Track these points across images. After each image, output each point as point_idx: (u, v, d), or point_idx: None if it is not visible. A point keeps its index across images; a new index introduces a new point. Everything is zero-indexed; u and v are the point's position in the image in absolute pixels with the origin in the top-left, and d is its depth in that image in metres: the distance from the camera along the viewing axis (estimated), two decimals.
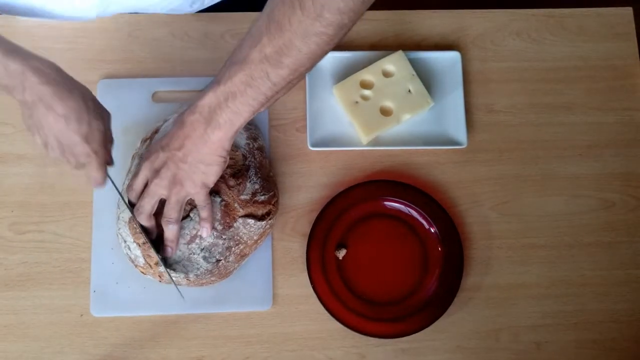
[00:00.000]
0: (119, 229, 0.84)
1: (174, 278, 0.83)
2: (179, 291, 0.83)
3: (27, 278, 0.88)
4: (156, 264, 0.82)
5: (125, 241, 0.84)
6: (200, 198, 0.78)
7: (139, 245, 0.82)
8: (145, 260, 0.83)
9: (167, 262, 0.83)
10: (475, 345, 0.89)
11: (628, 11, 1.02)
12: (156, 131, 0.88)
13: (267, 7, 0.68)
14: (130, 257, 0.84)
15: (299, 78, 0.70)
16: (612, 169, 0.96)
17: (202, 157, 0.74)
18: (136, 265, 0.84)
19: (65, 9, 0.89)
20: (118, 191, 0.83)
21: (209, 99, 0.71)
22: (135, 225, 0.82)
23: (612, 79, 0.99)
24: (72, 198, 0.90)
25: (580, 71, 0.99)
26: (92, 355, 0.86)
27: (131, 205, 0.82)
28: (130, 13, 0.97)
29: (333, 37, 0.66)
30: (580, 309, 0.91)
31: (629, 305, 0.91)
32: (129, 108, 0.93)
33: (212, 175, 0.76)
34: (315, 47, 0.66)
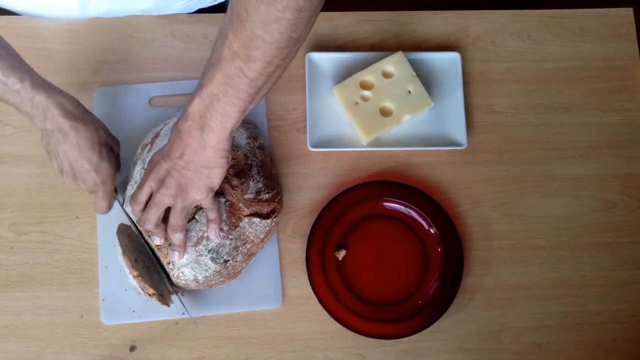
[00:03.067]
0: (117, 255, 0.85)
1: (182, 282, 0.84)
2: (184, 306, 0.85)
3: (28, 279, 0.88)
4: (152, 294, 0.82)
5: (122, 270, 0.84)
6: (207, 202, 0.78)
7: (134, 277, 0.82)
8: (143, 292, 0.83)
9: (174, 267, 0.83)
10: (476, 346, 0.89)
11: (629, 12, 1.02)
12: (157, 135, 0.88)
13: (230, 2, 0.67)
14: (131, 285, 0.84)
15: (278, 71, 0.69)
16: (613, 169, 0.96)
17: (204, 161, 0.74)
18: (139, 293, 0.84)
19: (47, 8, 0.91)
20: (123, 208, 0.85)
21: (196, 105, 0.71)
22: (128, 258, 0.82)
23: (613, 80, 0.99)
24: (72, 199, 0.91)
25: (581, 72, 0.99)
26: (92, 356, 0.86)
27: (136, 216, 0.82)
28: (121, 16, 0.97)
29: (293, 21, 0.64)
30: (582, 310, 0.91)
31: (630, 305, 0.91)
32: (127, 115, 0.93)
33: (216, 178, 0.76)
34: (279, 35, 0.65)
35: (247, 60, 0.67)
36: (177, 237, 0.80)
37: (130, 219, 0.85)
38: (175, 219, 0.78)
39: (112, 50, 0.96)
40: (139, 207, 0.80)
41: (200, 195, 0.77)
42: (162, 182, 0.77)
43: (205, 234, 0.82)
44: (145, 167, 0.85)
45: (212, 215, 0.80)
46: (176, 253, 0.81)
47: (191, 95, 0.72)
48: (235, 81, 0.68)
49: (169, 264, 0.83)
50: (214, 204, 0.79)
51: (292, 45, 0.67)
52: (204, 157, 0.74)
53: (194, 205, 0.79)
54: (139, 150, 0.89)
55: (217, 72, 0.68)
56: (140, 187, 0.79)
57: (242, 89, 0.69)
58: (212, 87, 0.69)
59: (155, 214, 0.78)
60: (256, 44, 0.65)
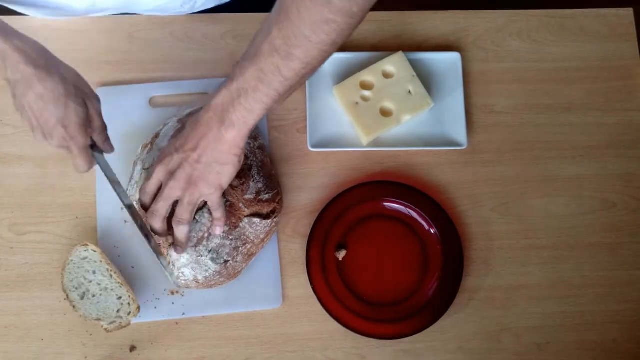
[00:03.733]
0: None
1: (182, 282, 0.84)
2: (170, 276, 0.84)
3: (28, 279, 0.88)
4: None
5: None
6: (214, 200, 0.78)
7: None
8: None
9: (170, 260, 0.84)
10: (476, 346, 0.89)
11: (629, 12, 1.02)
12: (156, 136, 0.88)
13: (278, 0, 0.68)
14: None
15: (310, 73, 0.70)
16: (613, 170, 0.96)
17: (217, 156, 0.74)
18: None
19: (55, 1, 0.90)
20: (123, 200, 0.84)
21: (222, 97, 0.71)
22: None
23: (613, 80, 0.99)
24: (72, 199, 0.91)
25: (581, 72, 0.99)
26: (92, 356, 0.86)
27: (143, 208, 0.82)
28: (121, 15, 0.97)
29: (342, 25, 0.66)
30: (582, 310, 0.91)
31: (630, 306, 0.91)
32: (127, 115, 0.93)
33: (226, 175, 0.76)
34: (325, 37, 0.66)
35: (286, 58, 0.67)
36: (181, 230, 0.79)
37: (136, 220, 0.84)
38: (181, 211, 0.78)
39: (112, 50, 0.96)
40: (147, 198, 0.80)
41: (209, 191, 0.77)
42: (172, 175, 0.77)
43: (206, 234, 0.82)
44: (145, 167, 0.85)
45: (218, 214, 0.80)
46: (177, 248, 0.81)
47: (218, 88, 0.72)
48: (269, 77, 0.68)
49: (169, 264, 0.83)
50: (220, 202, 0.79)
51: (332, 49, 0.68)
52: (217, 152, 0.74)
53: (201, 199, 0.79)
54: (139, 151, 0.89)
55: (252, 66, 0.68)
56: (148, 178, 0.79)
57: (274, 86, 0.69)
58: (243, 81, 0.69)
59: (163, 206, 0.78)
60: (300, 42, 0.66)
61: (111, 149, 0.78)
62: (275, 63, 0.67)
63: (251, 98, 0.70)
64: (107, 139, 0.78)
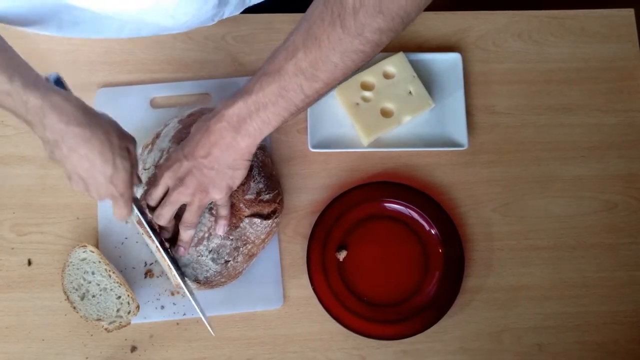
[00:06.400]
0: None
1: (184, 286, 0.84)
2: (204, 318, 0.83)
3: (29, 279, 0.88)
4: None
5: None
6: (223, 200, 0.79)
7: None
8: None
9: (178, 265, 0.84)
10: (477, 347, 0.89)
11: (630, 13, 1.02)
12: (157, 136, 0.88)
13: (305, 23, 0.68)
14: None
15: (329, 91, 0.71)
16: (614, 170, 0.95)
17: (230, 162, 0.75)
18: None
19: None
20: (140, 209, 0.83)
21: (238, 109, 0.72)
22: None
23: (614, 81, 0.99)
24: (73, 199, 0.91)
25: (582, 72, 0.99)
26: (93, 357, 0.86)
27: (150, 210, 0.82)
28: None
29: (370, 54, 0.68)
30: (583, 311, 0.90)
31: (631, 306, 0.91)
32: (128, 115, 0.92)
33: (238, 178, 0.77)
34: (351, 63, 0.68)
35: (310, 80, 0.68)
36: (188, 234, 0.80)
37: (143, 218, 0.84)
38: (190, 216, 0.79)
39: (113, 50, 0.96)
40: (153, 203, 0.80)
41: (220, 195, 0.77)
42: (181, 181, 0.77)
43: (206, 234, 0.82)
44: (146, 167, 0.85)
45: (224, 212, 0.81)
46: (181, 248, 0.82)
47: (231, 98, 0.72)
48: (290, 95, 0.69)
49: (168, 266, 0.83)
50: (228, 201, 0.80)
51: (353, 72, 0.69)
52: (230, 159, 0.75)
53: (209, 203, 0.79)
54: (140, 151, 0.89)
55: (274, 82, 0.69)
56: (156, 184, 0.79)
57: (294, 102, 0.70)
58: (262, 96, 0.70)
59: (170, 211, 0.78)
60: (326, 67, 0.67)
61: (140, 181, 0.79)
62: (299, 83, 0.69)
63: (270, 111, 0.71)
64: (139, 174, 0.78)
